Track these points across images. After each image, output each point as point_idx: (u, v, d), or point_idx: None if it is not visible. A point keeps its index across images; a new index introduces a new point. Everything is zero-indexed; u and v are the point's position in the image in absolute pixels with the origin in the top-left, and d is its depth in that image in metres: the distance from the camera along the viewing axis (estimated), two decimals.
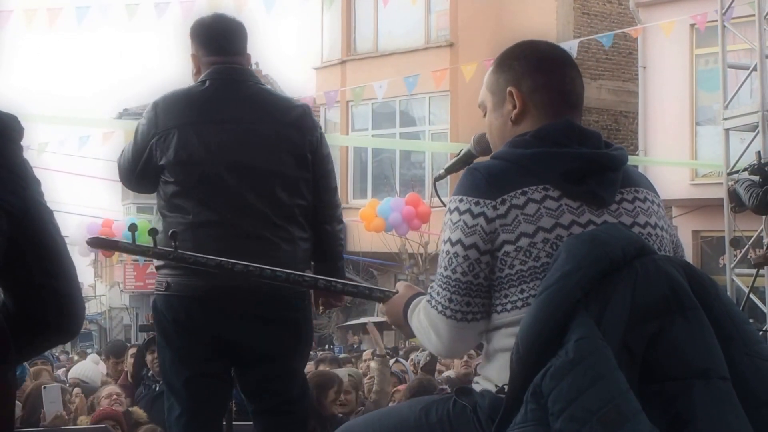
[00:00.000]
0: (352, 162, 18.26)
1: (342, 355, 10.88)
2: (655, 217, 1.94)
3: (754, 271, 7.69)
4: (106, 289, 33.57)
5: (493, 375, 1.90)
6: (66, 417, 4.90)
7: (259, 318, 2.93)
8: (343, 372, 5.78)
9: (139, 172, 3.02)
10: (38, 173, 1.63)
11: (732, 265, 8.78)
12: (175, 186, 2.93)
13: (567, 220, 1.83)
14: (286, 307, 2.98)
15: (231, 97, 2.98)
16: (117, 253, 17.49)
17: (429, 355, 7.31)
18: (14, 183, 1.54)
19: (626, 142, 15.61)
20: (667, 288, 1.66)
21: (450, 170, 2.36)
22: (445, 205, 1.97)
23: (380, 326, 13.84)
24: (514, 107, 1.96)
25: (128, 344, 8.82)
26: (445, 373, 6.64)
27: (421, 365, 7.48)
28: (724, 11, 8.95)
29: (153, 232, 2.38)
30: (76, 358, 14.89)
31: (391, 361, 6.85)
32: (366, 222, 12.12)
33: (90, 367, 7.79)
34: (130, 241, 2.39)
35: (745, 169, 7.41)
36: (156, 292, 3.02)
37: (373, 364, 5.85)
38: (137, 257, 20.69)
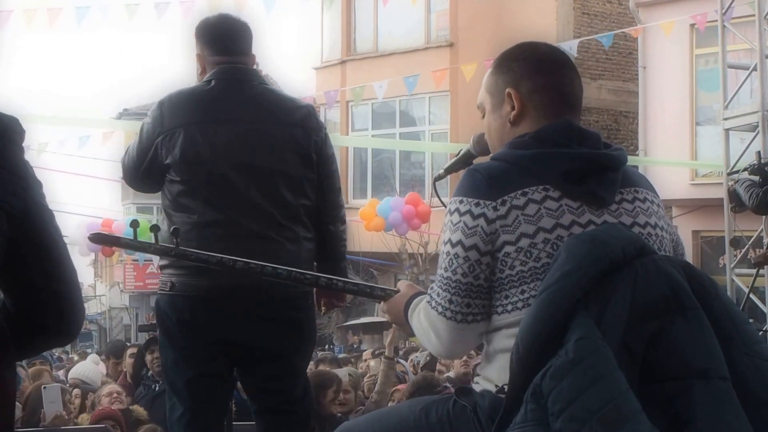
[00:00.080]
0: (352, 162, 18.26)
1: (342, 355, 10.88)
2: (654, 217, 1.94)
3: (754, 271, 7.69)
4: (106, 289, 33.57)
5: (494, 375, 1.90)
6: (66, 417, 4.91)
7: (263, 318, 2.93)
8: (343, 372, 5.79)
9: (143, 170, 3.02)
10: (38, 173, 1.63)
11: (732, 265, 8.78)
12: (181, 185, 2.93)
13: (567, 221, 1.83)
14: (289, 307, 2.98)
15: (236, 97, 2.99)
16: (117, 253, 17.52)
17: (429, 356, 7.31)
18: (15, 184, 1.54)
19: (626, 142, 15.62)
20: (667, 288, 1.66)
21: (449, 170, 2.37)
22: (445, 206, 1.97)
23: (380, 326, 13.87)
24: (513, 108, 1.96)
25: (128, 344, 8.82)
26: (445, 374, 6.64)
27: (420, 366, 7.49)
28: (724, 11, 8.95)
29: (155, 228, 2.39)
30: (76, 358, 14.90)
31: None
32: (366, 221, 12.11)
33: (90, 367, 7.80)
34: (131, 237, 2.40)
35: (745, 169, 7.41)
36: (159, 292, 3.01)
37: (373, 363, 5.85)
38: (137, 257, 20.74)
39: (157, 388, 5.73)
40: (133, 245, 2.47)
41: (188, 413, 2.96)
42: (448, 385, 5.52)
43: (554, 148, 1.88)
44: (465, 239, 1.85)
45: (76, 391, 6.03)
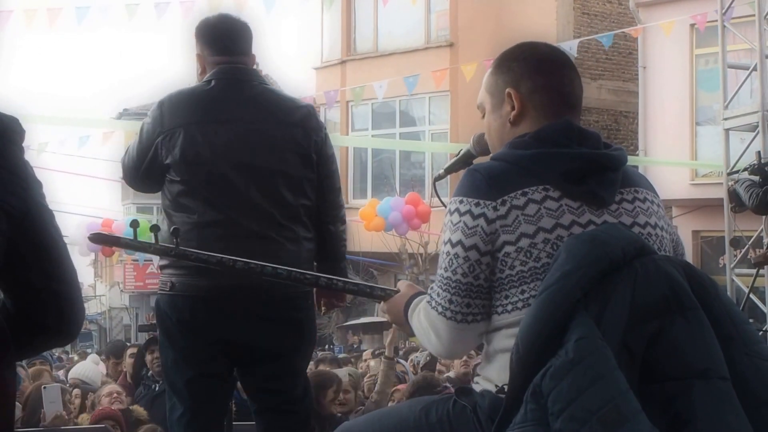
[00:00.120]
0: (352, 162, 18.26)
1: (342, 355, 10.89)
2: (654, 217, 1.94)
3: (754, 271, 7.69)
4: (106, 289, 33.57)
5: (494, 375, 1.90)
6: (66, 417, 4.91)
7: (263, 318, 2.93)
8: (343, 372, 5.79)
9: (143, 170, 3.02)
10: (38, 173, 1.63)
11: (732, 265, 8.78)
12: (181, 185, 2.94)
13: (567, 221, 1.83)
14: (289, 307, 2.98)
15: (236, 97, 2.99)
16: (117, 253, 17.52)
17: (429, 356, 7.31)
18: (15, 184, 1.54)
19: (626, 142, 15.62)
20: (666, 288, 1.66)
21: (449, 170, 2.37)
22: (445, 206, 1.97)
23: (380, 326, 13.87)
24: (513, 108, 1.96)
25: (128, 344, 8.82)
26: (445, 374, 6.64)
27: (420, 366, 7.49)
28: (724, 11, 8.95)
29: (155, 228, 2.39)
30: (76, 358, 14.90)
31: None
32: (366, 221, 12.11)
33: (90, 367, 7.80)
34: (131, 237, 2.40)
35: (745, 169, 7.42)
36: (160, 292, 3.01)
37: (373, 363, 5.85)
38: (137, 257, 20.74)
39: (157, 388, 5.74)
40: (133, 245, 2.47)
41: (188, 413, 2.96)
42: (448, 385, 5.52)
43: (554, 148, 1.88)
44: (465, 239, 1.85)
45: (76, 391, 6.03)
